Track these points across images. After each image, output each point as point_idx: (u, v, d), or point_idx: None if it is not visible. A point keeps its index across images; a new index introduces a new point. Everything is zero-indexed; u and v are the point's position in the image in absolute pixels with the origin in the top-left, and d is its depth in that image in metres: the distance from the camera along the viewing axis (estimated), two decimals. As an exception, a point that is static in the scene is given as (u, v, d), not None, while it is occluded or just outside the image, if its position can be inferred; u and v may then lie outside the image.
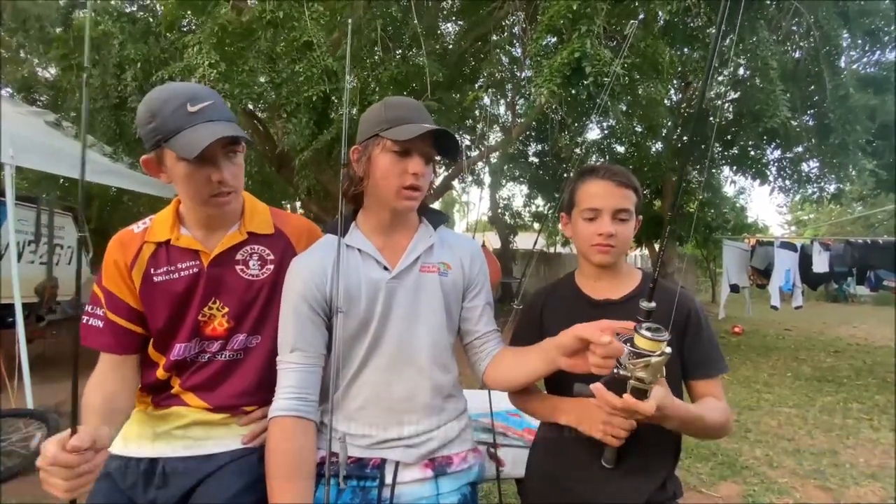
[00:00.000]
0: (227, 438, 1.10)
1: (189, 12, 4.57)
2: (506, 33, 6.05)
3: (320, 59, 3.83)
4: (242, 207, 1.16)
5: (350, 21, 1.49)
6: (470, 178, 10.20)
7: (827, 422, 4.16)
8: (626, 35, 3.81)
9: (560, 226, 1.22)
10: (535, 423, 1.23)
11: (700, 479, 3.01)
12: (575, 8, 3.62)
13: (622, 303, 1.08)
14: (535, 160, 10.76)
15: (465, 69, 6.56)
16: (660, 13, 4.44)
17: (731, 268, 8.17)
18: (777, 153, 8.75)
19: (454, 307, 1.16)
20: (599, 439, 0.98)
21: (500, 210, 12.90)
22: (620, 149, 10.17)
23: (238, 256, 1.12)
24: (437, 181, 7.43)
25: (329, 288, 1.06)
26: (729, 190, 11.80)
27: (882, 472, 3.15)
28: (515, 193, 20.24)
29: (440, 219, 1.23)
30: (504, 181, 11.88)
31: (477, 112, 6.77)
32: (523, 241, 13.49)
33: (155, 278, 1.08)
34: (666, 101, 5.90)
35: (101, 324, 1.08)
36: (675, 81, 7.46)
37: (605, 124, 9.42)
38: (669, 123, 7.94)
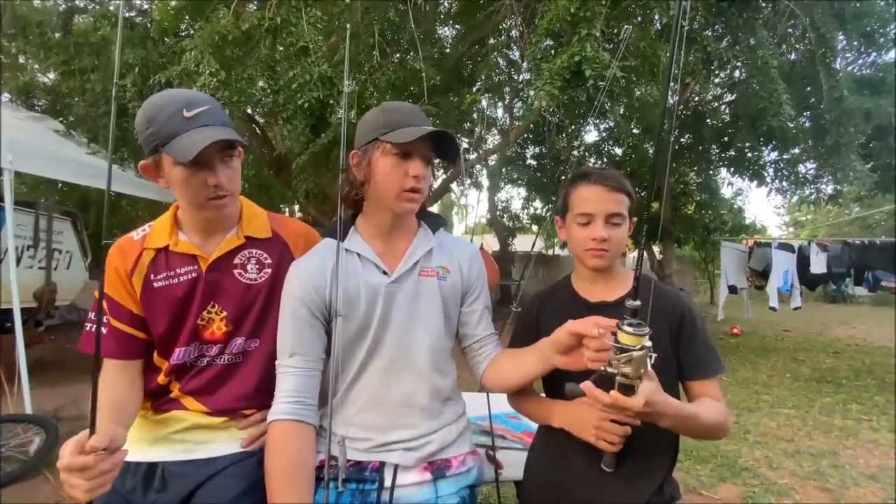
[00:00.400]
0: (226, 442, 1.10)
1: (187, 18, 4.58)
2: (503, 36, 6.07)
3: (315, 64, 3.84)
4: (240, 212, 1.17)
5: (348, 25, 1.49)
6: (468, 181, 10.22)
7: (826, 423, 4.17)
8: (628, 36, 3.83)
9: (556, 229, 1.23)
10: (534, 425, 1.24)
11: (700, 480, 3.01)
12: (573, 10, 3.63)
13: (617, 305, 1.09)
14: (533, 163, 10.79)
15: (462, 72, 6.58)
16: (656, 16, 4.47)
17: (729, 269, 8.18)
18: (774, 155, 8.78)
19: (453, 311, 1.17)
20: (593, 443, 0.99)
21: (498, 212, 12.92)
22: (618, 151, 10.21)
23: (236, 260, 1.13)
24: (436, 184, 7.45)
25: (328, 292, 1.07)
26: (727, 191, 11.85)
27: (882, 473, 3.15)
28: (514, 196, 20.26)
29: (439, 223, 1.24)
30: (502, 184, 11.91)
31: (475, 115, 6.79)
32: (522, 244, 13.50)
33: (155, 284, 1.08)
34: (664, 106, 5.88)
35: (104, 330, 1.08)
36: (671, 83, 7.47)
37: (602, 126, 9.46)
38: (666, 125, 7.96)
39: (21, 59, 6.98)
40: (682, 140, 9.06)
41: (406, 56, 5.36)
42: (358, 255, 1.11)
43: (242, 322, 1.12)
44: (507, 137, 7.60)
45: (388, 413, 1.09)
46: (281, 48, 4.23)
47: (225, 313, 1.11)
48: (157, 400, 1.12)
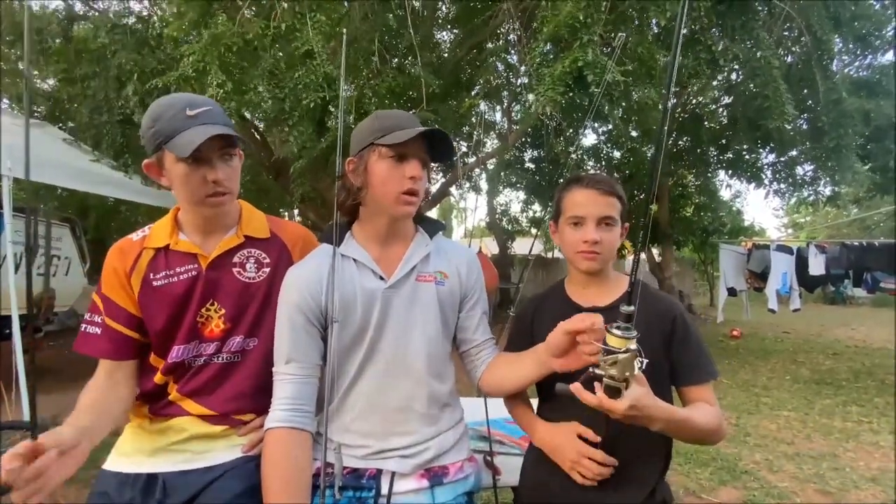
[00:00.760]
0: (226, 450, 1.10)
1: (186, 24, 4.60)
2: (501, 41, 6.09)
3: (320, 66, 3.86)
4: (240, 213, 1.20)
5: (345, 31, 1.50)
6: (467, 185, 10.23)
7: (826, 425, 4.16)
8: (622, 44, 3.84)
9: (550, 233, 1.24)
10: (532, 430, 1.23)
11: (700, 484, 3.01)
12: (581, 18, 3.64)
13: (609, 309, 1.09)
14: (532, 166, 10.81)
15: (461, 77, 6.59)
16: (654, 20, 4.48)
17: (727, 271, 8.18)
18: (772, 157, 8.81)
19: (451, 316, 1.17)
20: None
21: (497, 216, 12.94)
22: (617, 154, 10.23)
23: (235, 259, 1.14)
24: (435, 188, 7.46)
25: (325, 298, 1.07)
26: (725, 194, 11.88)
27: (882, 476, 3.15)
28: (512, 199, 20.31)
29: (436, 227, 1.24)
30: (501, 187, 11.92)
31: (473, 119, 6.81)
32: (521, 247, 13.52)
33: (154, 283, 1.10)
34: (661, 107, 5.91)
35: (98, 331, 1.10)
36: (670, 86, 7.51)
37: (601, 129, 9.47)
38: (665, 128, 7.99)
39: (20, 66, 6.99)
40: (679, 143, 9.09)
41: (404, 61, 5.38)
42: (354, 260, 1.12)
43: (240, 320, 1.13)
44: (505, 141, 7.62)
45: (386, 419, 1.09)
46: (281, 54, 4.25)
47: (223, 311, 1.12)
48: (155, 403, 1.12)
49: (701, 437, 1.01)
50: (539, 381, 1.13)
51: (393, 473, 1.07)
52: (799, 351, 7.73)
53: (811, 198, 8.81)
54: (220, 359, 1.12)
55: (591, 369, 0.87)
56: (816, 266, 7.07)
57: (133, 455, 1.10)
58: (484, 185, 11.14)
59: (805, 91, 5.87)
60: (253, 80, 4.09)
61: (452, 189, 8.35)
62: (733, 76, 6.64)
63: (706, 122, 8.74)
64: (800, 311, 7.75)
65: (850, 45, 6.36)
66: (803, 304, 7.89)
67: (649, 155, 9.03)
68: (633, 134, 8.40)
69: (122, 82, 4.54)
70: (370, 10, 4.59)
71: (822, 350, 7.82)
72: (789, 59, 5.87)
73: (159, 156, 1.06)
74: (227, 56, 3.86)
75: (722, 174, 10.09)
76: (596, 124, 8.63)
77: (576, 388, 0.87)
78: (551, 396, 1.06)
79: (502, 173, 10.73)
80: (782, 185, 8.91)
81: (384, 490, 1.05)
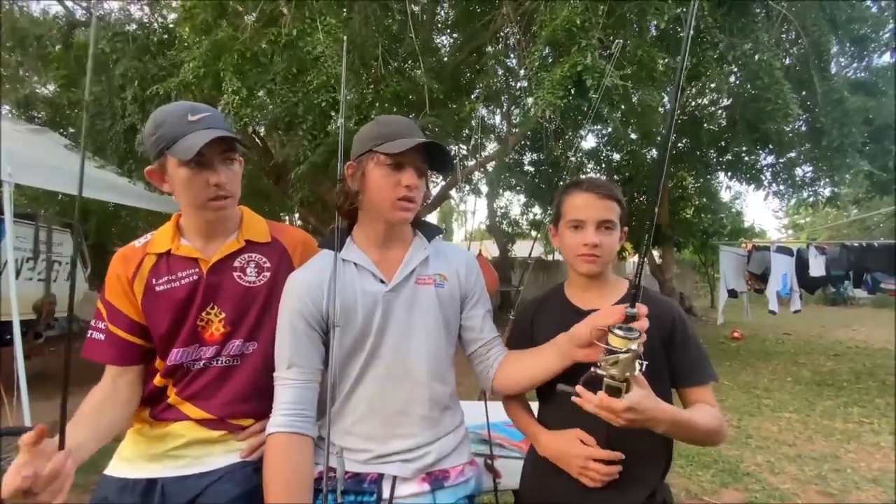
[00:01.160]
0: (224, 455, 1.10)
1: (186, 29, 4.63)
2: (500, 45, 6.11)
3: (331, 67, 3.89)
4: (241, 218, 1.21)
5: (345, 37, 1.51)
6: (467, 188, 10.25)
7: (828, 426, 4.16)
8: (621, 47, 3.86)
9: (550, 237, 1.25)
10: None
11: (702, 486, 3.00)
12: (579, 22, 3.65)
13: None
14: (531, 169, 10.83)
15: (461, 80, 6.62)
16: (653, 22, 4.50)
17: (728, 273, 8.18)
18: (771, 158, 8.82)
19: (452, 318, 1.17)
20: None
21: (497, 219, 12.95)
22: (616, 156, 10.25)
23: (236, 263, 1.15)
24: (435, 191, 7.47)
25: (326, 303, 1.07)
26: (725, 195, 11.89)
27: (884, 477, 3.14)
28: (513, 202, 20.32)
29: (434, 231, 1.25)
30: (501, 190, 11.94)
31: (473, 122, 6.84)
32: (521, 250, 13.53)
33: (157, 288, 1.11)
34: (660, 109, 5.95)
35: (102, 337, 1.11)
36: (669, 88, 7.55)
37: (601, 132, 9.50)
38: (664, 130, 8.01)
39: (21, 72, 7.03)
40: (679, 145, 9.10)
41: (404, 65, 5.40)
42: (355, 264, 1.12)
43: (240, 324, 1.14)
44: (505, 144, 7.64)
45: (387, 422, 1.09)
46: (297, 62, 4.28)
47: (223, 315, 1.13)
48: (154, 406, 1.13)
49: (703, 439, 1.02)
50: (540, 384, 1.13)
51: (394, 478, 1.07)
52: (800, 352, 7.72)
53: (811, 199, 8.82)
54: (219, 362, 1.13)
55: (592, 369, 0.88)
56: (817, 267, 7.07)
57: (133, 460, 1.10)
58: (484, 188, 11.18)
59: (804, 93, 5.90)
60: (266, 85, 4.14)
61: (453, 192, 8.35)
62: (732, 78, 6.66)
63: (705, 125, 8.77)
64: (800, 313, 7.75)
65: (848, 47, 6.38)
66: (804, 306, 7.89)
67: (649, 157, 9.06)
68: (633, 136, 8.42)
69: (122, 87, 4.57)
70: (372, 13, 4.61)
71: (822, 351, 7.81)
72: (787, 60, 5.89)
73: (162, 161, 1.07)
74: (241, 63, 3.91)
75: (721, 176, 10.12)
76: (597, 127, 8.65)
77: (580, 389, 0.88)
78: (552, 397, 1.06)
79: (502, 176, 10.76)
80: (782, 187, 8.93)
81: (385, 494, 1.05)
